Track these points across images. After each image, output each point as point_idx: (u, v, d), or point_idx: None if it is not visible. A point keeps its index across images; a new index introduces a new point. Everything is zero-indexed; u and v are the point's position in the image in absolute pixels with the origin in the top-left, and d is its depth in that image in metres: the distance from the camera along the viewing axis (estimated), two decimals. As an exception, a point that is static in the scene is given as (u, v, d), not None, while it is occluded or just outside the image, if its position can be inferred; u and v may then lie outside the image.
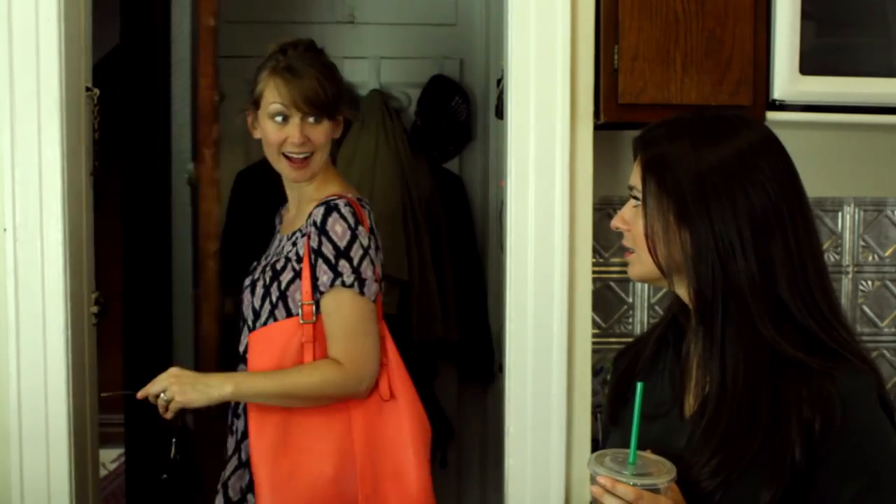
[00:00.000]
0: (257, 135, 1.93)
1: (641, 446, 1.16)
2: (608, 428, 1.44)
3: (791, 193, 1.21)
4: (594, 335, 2.04)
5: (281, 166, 1.91)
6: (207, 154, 2.14)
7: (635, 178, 1.27)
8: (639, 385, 1.16)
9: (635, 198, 1.27)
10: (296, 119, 1.85)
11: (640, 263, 1.28)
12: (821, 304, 1.20)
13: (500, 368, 2.65)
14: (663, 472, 1.13)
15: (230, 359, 2.07)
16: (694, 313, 1.25)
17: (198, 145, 2.14)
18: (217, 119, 2.12)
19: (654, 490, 1.11)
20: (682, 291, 1.27)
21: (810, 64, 1.89)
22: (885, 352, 2.29)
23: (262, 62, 1.91)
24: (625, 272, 1.36)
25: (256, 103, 1.90)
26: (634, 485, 1.10)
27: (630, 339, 1.52)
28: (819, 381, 1.15)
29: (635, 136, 1.31)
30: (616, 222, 1.31)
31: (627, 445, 1.16)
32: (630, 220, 1.28)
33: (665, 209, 1.22)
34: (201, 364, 2.44)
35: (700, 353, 1.27)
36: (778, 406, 1.15)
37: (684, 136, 1.24)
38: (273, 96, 1.86)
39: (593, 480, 1.14)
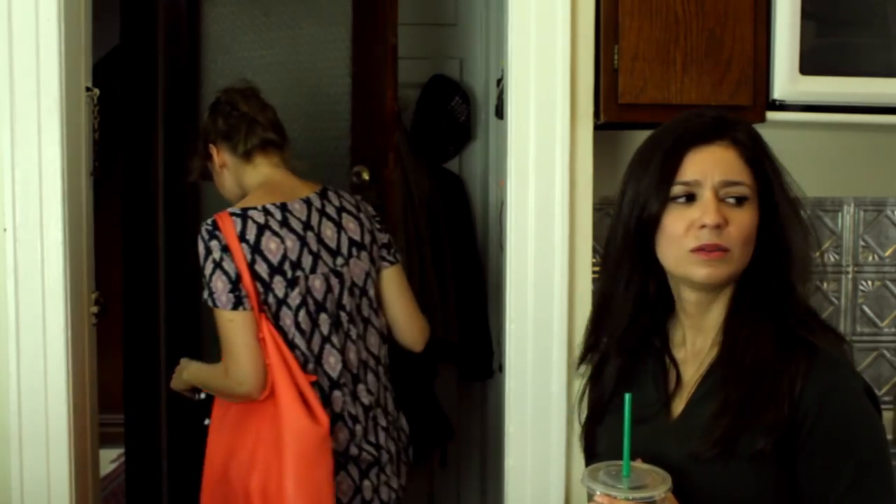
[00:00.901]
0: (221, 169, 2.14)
1: (636, 449, 1.16)
2: (597, 431, 1.39)
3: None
4: (594, 335, 2.04)
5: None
6: (391, 158, 2.44)
7: (738, 174, 1.22)
8: (627, 396, 1.15)
9: (741, 196, 1.22)
10: None
11: (733, 263, 1.22)
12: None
13: (500, 368, 2.65)
14: (659, 483, 1.12)
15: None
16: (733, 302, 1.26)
17: (384, 150, 2.44)
18: (397, 127, 2.49)
19: (652, 503, 1.11)
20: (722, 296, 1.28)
21: (810, 64, 1.89)
22: (885, 352, 2.29)
23: (214, 105, 2.16)
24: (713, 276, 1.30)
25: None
26: (633, 499, 1.10)
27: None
28: (815, 364, 1.19)
29: (720, 123, 1.26)
30: (719, 219, 1.19)
31: (617, 452, 1.16)
32: (731, 218, 1.21)
33: (785, 207, 1.24)
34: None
35: (701, 347, 1.28)
36: (780, 374, 1.19)
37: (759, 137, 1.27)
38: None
39: (590, 497, 1.13)
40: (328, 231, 2.02)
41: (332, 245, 2.02)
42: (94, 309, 1.97)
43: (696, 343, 1.30)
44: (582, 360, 1.39)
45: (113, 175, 2.45)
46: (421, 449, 3.29)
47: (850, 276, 2.28)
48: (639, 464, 1.17)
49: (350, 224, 2.06)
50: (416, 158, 3.20)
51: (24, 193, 1.84)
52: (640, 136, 2.17)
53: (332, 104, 2.60)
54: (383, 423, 2.08)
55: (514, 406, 1.96)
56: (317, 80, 2.64)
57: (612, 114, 1.91)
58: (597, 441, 1.38)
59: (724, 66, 1.89)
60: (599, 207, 2.13)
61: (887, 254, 2.29)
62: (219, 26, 2.87)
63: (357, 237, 2.06)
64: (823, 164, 2.25)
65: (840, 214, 2.27)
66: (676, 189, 1.22)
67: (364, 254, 2.07)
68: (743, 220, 1.21)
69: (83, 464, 1.93)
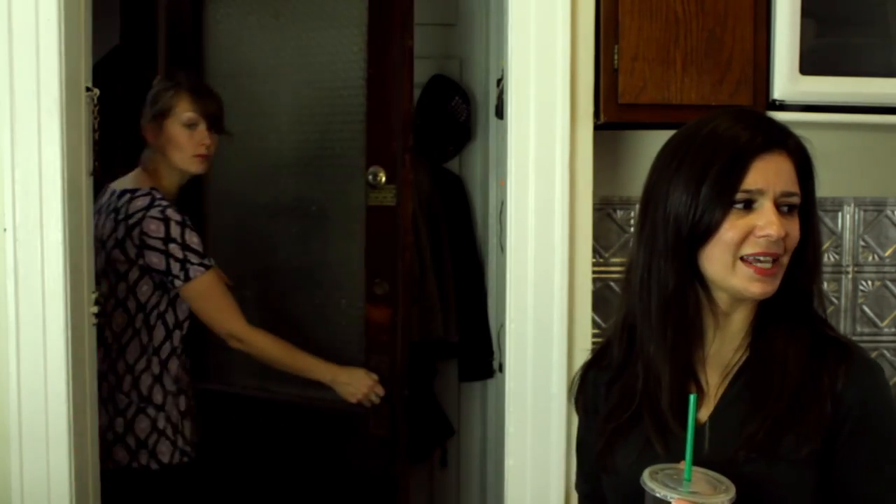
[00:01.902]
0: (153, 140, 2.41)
1: (656, 460, 1.15)
2: (592, 476, 1.37)
3: None
4: (594, 335, 2.04)
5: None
6: (408, 159, 2.49)
7: (792, 184, 1.23)
8: (692, 397, 1.13)
9: (793, 206, 1.23)
10: (202, 126, 2.39)
11: (781, 272, 1.23)
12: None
13: (500, 368, 2.65)
14: (721, 491, 1.08)
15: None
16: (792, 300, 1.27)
17: (402, 152, 2.49)
18: (412, 129, 2.52)
19: None
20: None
21: (810, 64, 1.89)
22: (885, 352, 2.29)
23: (161, 85, 2.44)
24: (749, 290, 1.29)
25: (163, 114, 2.38)
26: None
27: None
28: (853, 363, 1.22)
29: (777, 131, 1.26)
30: (782, 231, 1.20)
31: (622, 491, 1.16)
32: (786, 227, 1.21)
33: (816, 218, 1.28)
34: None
35: (728, 348, 1.28)
36: (819, 374, 1.21)
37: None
38: (185, 108, 2.37)
39: (651, 499, 1.08)
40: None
41: None
42: (94, 309, 1.97)
43: (721, 346, 1.29)
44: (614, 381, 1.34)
45: (113, 175, 2.45)
46: (421, 448, 3.30)
47: (850, 276, 2.28)
48: (700, 469, 1.12)
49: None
50: (416, 158, 3.21)
51: (24, 193, 1.84)
52: (640, 136, 2.19)
53: (345, 106, 2.62)
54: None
55: (514, 406, 1.96)
56: (329, 82, 2.66)
57: (612, 114, 1.91)
58: (614, 454, 1.30)
59: (724, 66, 1.89)
60: (599, 207, 2.13)
61: (887, 254, 2.29)
62: (224, 27, 2.87)
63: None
64: (823, 164, 2.22)
65: (840, 214, 2.27)
66: (738, 196, 1.21)
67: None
68: (794, 230, 1.22)
69: (83, 464, 1.93)
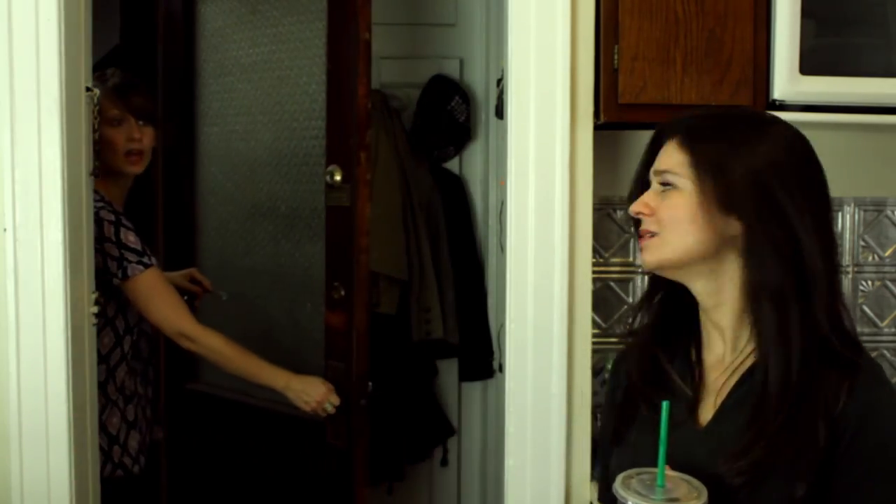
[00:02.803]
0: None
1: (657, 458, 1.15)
2: (608, 448, 1.39)
3: (827, 197, 1.29)
4: (594, 335, 2.04)
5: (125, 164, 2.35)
6: (363, 157, 2.33)
7: (668, 162, 1.26)
8: (664, 404, 1.13)
9: (666, 183, 1.27)
10: (130, 122, 2.34)
11: (664, 246, 1.26)
12: (845, 309, 1.25)
13: (500, 368, 2.65)
14: (693, 497, 1.08)
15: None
16: (749, 304, 1.24)
17: (356, 149, 2.33)
18: (370, 125, 2.36)
19: None
20: (699, 283, 1.27)
21: (810, 64, 1.89)
22: (885, 352, 2.29)
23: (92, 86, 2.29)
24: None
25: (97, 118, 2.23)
26: None
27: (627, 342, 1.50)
28: (858, 380, 1.18)
29: (665, 122, 1.31)
30: (638, 207, 1.29)
31: (634, 466, 1.14)
32: (655, 205, 1.27)
33: (709, 195, 1.23)
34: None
35: (727, 352, 1.27)
36: (815, 401, 1.17)
37: (733, 129, 1.26)
38: (108, 107, 2.29)
39: None
40: None
41: None
42: (94, 309, 1.97)
43: (717, 344, 1.30)
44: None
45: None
46: (421, 448, 3.30)
47: (850, 276, 2.28)
48: (673, 473, 1.13)
49: None
50: (416, 158, 3.21)
51: (24, 193, 1.84)
52: (641, 136, 2.18)
53: (311, 102, 2.54)
54: None
55: (514, 406, 1.96)
56: (297, 77, 2.59)
57: (612, 114, 1.91)
58: (611, 456, 1.35)
59: (724, 66, 1.89)
60: (599, 207, 2.13)
61: (887, 254, 2.29)
62: (211, 25, 2.85)
63: None
64: (823, 164, 2.24)
65: (840, 214, 2.27)
66: (647, 179, 1.32)
67: None
68: (664, 207, 1.27)
69: (83, 464, 1.93)
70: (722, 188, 1.22)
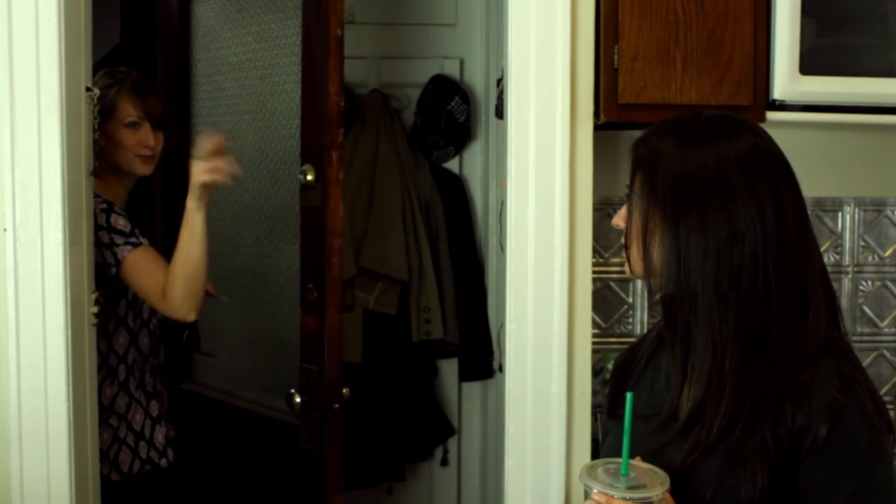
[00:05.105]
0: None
1: (639, 446, 1.16)
2: (608, 425, 1.44)
3: (776, 210, 1.20)
4: (594, 335, 2.05)
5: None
6: (335, 156, 2.25)
7: (630, 175, 1.29)
8: (628, 395, 1.16)
9: (629, 195, 1.29)
10: (146, 126, 2.34)
11: (631, 259, 1.29)
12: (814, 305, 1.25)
13: (500, 368, 2.65)
14: (657, 484, 1.13)
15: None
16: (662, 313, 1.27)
17: (328, 148, 2.24)
18: (342, 124, 2.29)
19: (649, 503, 1.11)
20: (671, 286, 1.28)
21: (810, 64, 1.89)
22: (885, 352, 2.29)
23: (102, 82, 2.31)
24: (624, 273, 1.37)
25: (104, 115, 2.23)
26: (630, 499, 1.11)
27: (630, 339, 1.53)
28: (828, 373, 1.18)
29: (641, 139, 1.31)
30: (616, 220, 1.32)
31: (613, 456, 1.17)
32: (626, 218, 1.30)
33: (648, 208, 1.23)
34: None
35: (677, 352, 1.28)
36: (761, 403, 1.18)
37: (671, 135, 1.25)
38: (127, 109, 2.30)
39: (587, 496, 1.14)
40: None
41: None
42: (94, 309, 1.97)
43: None
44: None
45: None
46: (421, 448, 3.30)
47: (850, 276, 2.28)
48: (638, 462, 1.17)
49: None
50: (416, 158, 3.21)
51: (24, 193, 1.84)
52: (640, 136, 2.18)
53: (288, 101, 2.49)
54: None
55: (514, 406, 1.96)
56: (277, 75, 2.54)
57: (612, 114, 1.91)
58: (609, 433, 1.40)
59: (724, 66, 1.89)
60: (599, 207, 2.13)
61: (887, 254, 2.29)
62: (204, 24, 2.84)
63: None
64: (823, 164, 2.25)
65: (840, 214, 2.27)
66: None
67: None
68: (624, 220, 1.29)
69: (83, 464, 1.93)
70: (654, 203, 1.23)
